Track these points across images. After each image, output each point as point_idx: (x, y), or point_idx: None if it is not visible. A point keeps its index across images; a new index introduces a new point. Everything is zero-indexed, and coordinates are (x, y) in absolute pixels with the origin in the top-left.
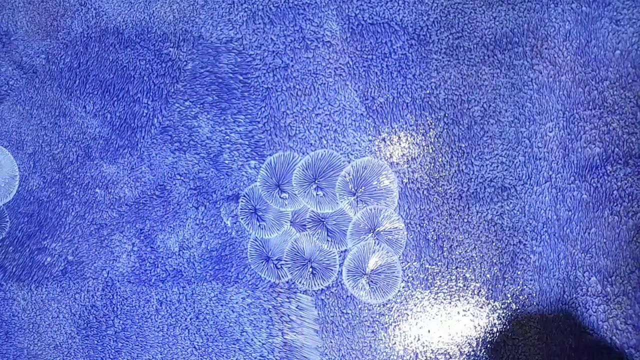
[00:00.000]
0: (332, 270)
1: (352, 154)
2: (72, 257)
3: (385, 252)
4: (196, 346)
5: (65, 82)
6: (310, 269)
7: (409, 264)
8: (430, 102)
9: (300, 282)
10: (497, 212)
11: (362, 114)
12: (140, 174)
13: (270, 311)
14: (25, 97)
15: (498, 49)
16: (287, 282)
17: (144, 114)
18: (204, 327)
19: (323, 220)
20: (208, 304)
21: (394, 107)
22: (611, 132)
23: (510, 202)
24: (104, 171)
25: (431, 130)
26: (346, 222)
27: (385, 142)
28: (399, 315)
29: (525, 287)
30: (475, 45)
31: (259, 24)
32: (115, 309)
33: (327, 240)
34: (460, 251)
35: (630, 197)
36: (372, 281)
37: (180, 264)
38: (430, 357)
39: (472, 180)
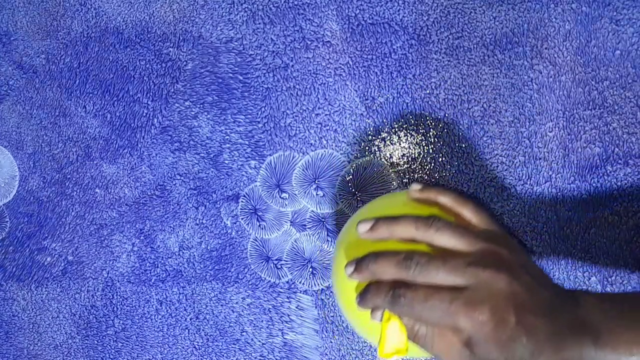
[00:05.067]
0: (332, 270)
1: (352, 154)
2: (72, 257)
3: None
4: (196, 346)
5: (65, 82)
6: (310, 269)
7: None
8: (430, 102)
9: (300, 282)
10: (497, 212)
11: (362, 114)
12: (140, 174)
13: (270, 311)
14: (25, 97)
15: (498, 49)
16: (287, 282)
17: (144, 114)
18: (204, 327)
19: (323, 220)
20: (208, 304)
21: (394, 107)
22: (611, 132)
23: (510, 202)
24: (104, 171)
25: (431, 130)
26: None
27: (385, 142)
28: None
29: None
30: (475, 45)
31: (259, 24)
32: (115, 309)
33: (327, 240)
34: None
35: (630, 197)
36: None
37: (180, 264)
38: (430, 357)
39: (472, 180)
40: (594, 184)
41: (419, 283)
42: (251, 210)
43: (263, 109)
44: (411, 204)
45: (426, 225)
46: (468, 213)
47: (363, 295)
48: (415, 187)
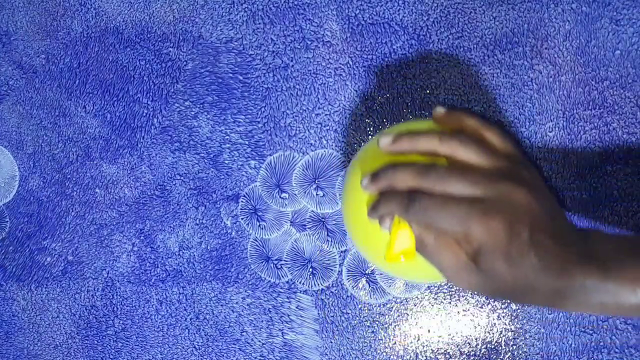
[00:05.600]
0: (332, 270)
1: (352, 154)
2: (72, 257)
3: None
4: (196, 346)
5: (65, 82)
6: (310, 269)
7: None
8: (430, 102)
9: (300, 282)
10: None
11: (362, 114)
12: (140, 174)
13: (270, 311)
14: (25, 97)
15: (498, 49)
16: (287, 282)
17: (144, 114)
18: (204, 327)
19: (323, 220)
20: (208, 304)
21: (394, 107)
22: (611, 132)
23: None
24: (104, 171)
25: None
26: None
27: None
28: (399, 315)
29: None
30: (475, 45)
31: (259, 24)
32: (115, 309)
33: (327, 240)
34: None
35: (630, 197)
36: (372, 281)
37: (180, 264)
38: (430, 357)
39: None
40: (594, 184)
41: (436, 192)
42: (251, 210)
43: (263, 109)
44: (434, 127)
45: (451, 138)
46: (493, 136)
47: (377, 202)
48: (440, 109)
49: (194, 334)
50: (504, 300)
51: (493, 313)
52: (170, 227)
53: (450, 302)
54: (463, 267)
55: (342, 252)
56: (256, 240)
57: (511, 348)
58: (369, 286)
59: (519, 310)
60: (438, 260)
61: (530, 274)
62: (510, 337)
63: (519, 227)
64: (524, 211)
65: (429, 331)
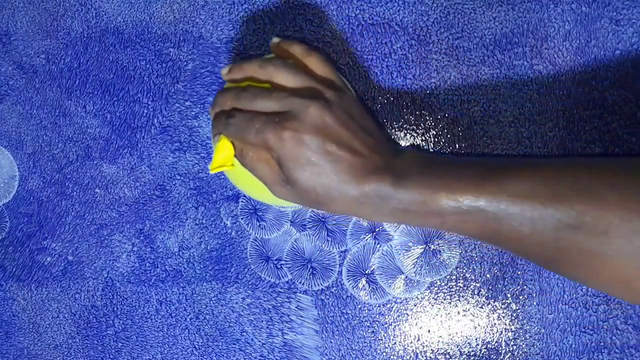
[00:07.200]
0: (332, 270)
1: None
2: (72, 257)
3: (386, 251)
4: (196, 346)
5: (65, 82)
6: (310, 269)
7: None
8: (430, 102)
9: (300, 282)
10: None
11: None
12: (140, 174)
13: (270, 311)
14: (25, 97)
15: (498, 49)
16: (287, 282)
17: (144, 114)
18: (204, 327)
19: (323, 220)
20: (208, 304)
21: (394, 107)
22: (611, 132)
23: None
24: (104, 171)
25: (431, 130)
26: (346, 222)
27: None
28: (399, 315)
29: (525, 287)
30: (475, 46)
31: (259, 24)
32: (115, 309)
33: (327, 240)
34: (460, 251)
35: None
36: (372, 281)
37: (180, 264)
38: (430, 357)
39: None
40: None
41: (247, 110)
42: (251, 210)
43: None
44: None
45: (268, 64)
46: (312, 61)
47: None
48: (275, 40)
49: (194, 334)
50: (317, 210)
51: (493, 313)
52: (170, 227)
53: (450, 302)
54: (277, 179)
55: (342, 252)
56: (256, 240)
57: (511, 348)
58: (369, 286)
59: (519, 311)
60: (259, 173)
61: (327, 182)
62: (510, 337)
63: (307, 138)
64: (313, 122)
65: (429, 331)
